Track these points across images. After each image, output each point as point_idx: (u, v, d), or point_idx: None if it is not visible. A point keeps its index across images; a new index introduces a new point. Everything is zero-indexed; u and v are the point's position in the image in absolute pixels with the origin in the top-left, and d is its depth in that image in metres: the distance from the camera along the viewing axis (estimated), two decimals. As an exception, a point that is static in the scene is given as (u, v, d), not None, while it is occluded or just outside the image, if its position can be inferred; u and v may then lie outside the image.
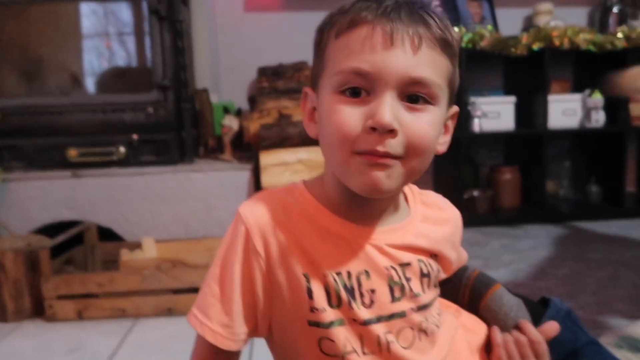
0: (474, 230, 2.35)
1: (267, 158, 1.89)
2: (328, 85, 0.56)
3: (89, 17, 2.04)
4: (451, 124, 0.62)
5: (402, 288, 0.59)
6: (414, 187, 0.68)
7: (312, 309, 0.57)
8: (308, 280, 0.57)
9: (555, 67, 2.51)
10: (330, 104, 0.55)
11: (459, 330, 0.68)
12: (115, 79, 2.07)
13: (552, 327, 0.67)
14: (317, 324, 0.57)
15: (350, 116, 0.53)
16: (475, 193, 2.54)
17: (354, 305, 0.57)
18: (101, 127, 1.91)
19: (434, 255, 0.65)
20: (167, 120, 1.93)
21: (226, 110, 2.09)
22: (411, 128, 0.53)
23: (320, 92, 0.58)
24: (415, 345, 0.60)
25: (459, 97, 2.43)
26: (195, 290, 1.52)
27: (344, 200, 0.59)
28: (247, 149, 2.04)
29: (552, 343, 0.67)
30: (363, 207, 0.59)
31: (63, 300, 1.51)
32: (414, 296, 0.60)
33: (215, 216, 1.87)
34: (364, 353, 0.58)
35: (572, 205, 2.63)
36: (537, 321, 0.69)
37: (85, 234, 1.79)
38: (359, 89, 0.53)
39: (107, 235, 1.85)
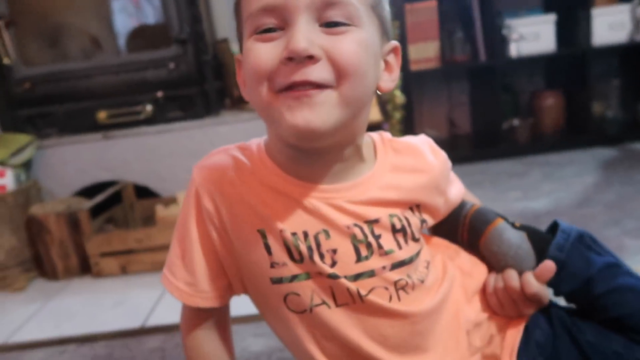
0: (515, 161, 2.26)
1: (291, 104, 1.85)
2: (245, 37, 0.52)
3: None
4: (394, 61, 0.57)
5: (369, 246, 0.56)
6: (386, 135, 0.63)
7: (273, 264, 0.55)
8: (264, 237, 0.55)
9: (600, -23, 2.29)
10: (246, 47, 0.51)
11: (456, 276, 0.65)
12: (134, 37, 2.06)
13: (547, 268, 0.63)
14: (279, 280, 0.56)
15: (265, 51, 0.49)
16: (515, 122, 2.42)
17: (316, 259, 0.54)
18: (126, 87, 1.91)
19: (417, 206, 0.60)
20: (189, 74, 1.92)
21: (247, 58, 2.05)
22: (334, 49, 0.48)
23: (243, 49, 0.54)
24: (393, 300, 0.57)
25: (491, 21, 2.29)
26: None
27: (290, 158, 0.56)
28: (271, 97, 2.00)
29: (563, 276, 0.63)
30: (313, 164, 0.55)
31: (106, 257, 1.58)
32: (385, 254, 0.56)
33: (244, 167, 1.88)
34: (336, 305, 0.56)
35: (620, 127, 2.46)
36: (544, 252, 0.65)
37: (123, 192, 1.85)
38: (274, 28, 0.49)
39: (144, 192, 1.90)
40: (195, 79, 1.93)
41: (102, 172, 1.86)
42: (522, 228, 0.67)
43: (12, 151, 1.69)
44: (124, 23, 2.09)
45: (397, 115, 2.13)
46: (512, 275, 0.63)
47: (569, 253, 0.64)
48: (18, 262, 1.61)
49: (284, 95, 0.49)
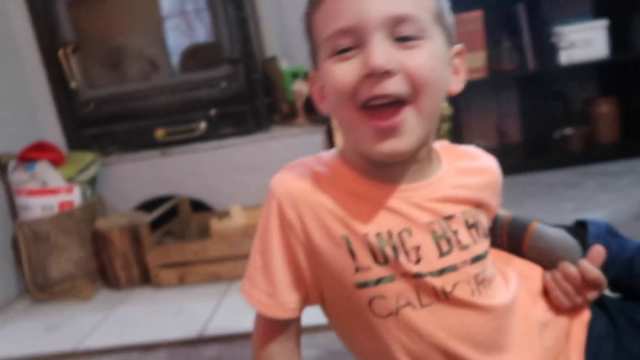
0: (567, 172, 2.20)
1: (339, 118, 1.89)
2: (323, 55, 0.56)
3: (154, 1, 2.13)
4: (460, 63, 0.59)
5: (449, 241, 0.58)
6: (444, 142, 0.67)
7: (358, 269, 0.57)
8: (348, 242, 0.57)
9: (655, -21, 2.22)
10: (326, 68, 0.55)
11: (517, 279, 0.67)
12: (187, 57, 2.16)
13: (598, 252, 0.65)
14: (364, 285, 0.57)
15: (345, 70, 0.53)
16: (568, 130, 2.36)
17: (401, 258, 0.56)
18: (181, 106, 2.01)
19: (479, 205, 0.63)
20: (240, 92, 1.99)
21: (295, 75, 2.11)
22: (409, 63, 0.52)
23: (320, 66, 0.58)
24: (475, 295, 0.59)
25: (539, 28, 2.25)
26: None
27: (369, 164, 0.58)
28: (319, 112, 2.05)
29: (605, 263, 0.66)
30: (391, 168, 0.58)
31: (165, 268, 1.66)
32: (463, 248, 0.59)
33: (294, 180, 1.93)
34: (421, 305, 0.57)
35: (682, 134, 2.36)
36: (582, 244, 0.67)
37: (179, 207, 1.94)
38: (349, 48, 0.53)
39: (199, 206, 1.98)
40: (246, 97, 2.00)
41: (160, 187, 1.96)
42: (556, 227, 0.71)
43: (79, 169, 1.81)
44: (178, 45, 2.20)
45: (445, 126, 2.13)
46: (568, 265, 0.66)
47: (605, 241, 0.67)
48: (85, 273, 1.72)
49: (371, 120, 0.53)
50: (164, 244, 1.75)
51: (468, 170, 0.64)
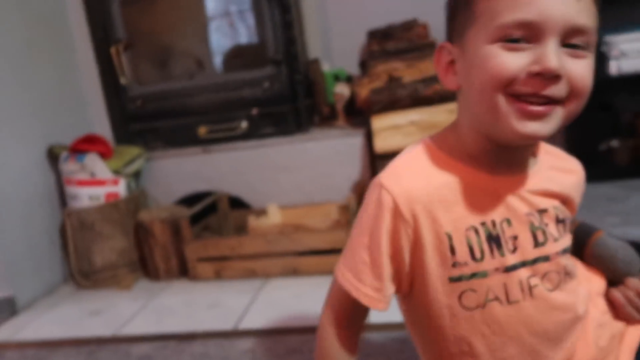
0: (612, 185, 2.13)
1: (379, 122, 1.89)
2: (482, 37, 0.55)
3: (202, 2, 2.19)
4: None
5: (544, 233, 0.61)
6: None
7: (455, 264, 0.59)
8: (450, 239, 0.59)
9: None
10: (486, 51, 0.55)
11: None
12: (232, 57, 2.21)
13: None
14: (459, 279, 0.60)
15: (512, 60, 0.53)
16: (615, 143, 2.29)
17: (497, 253, 0.59)
18: (224, 104, 2.06)
19: (565, 202, 0.65)
20: (282, 93, 2.02)
21: (337, 78, 2.12)
22: (574, 73, 0.53)
23: (468, 44, 0.57)
24: (561, 286, 0.62)
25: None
26: (315, 252, 1.62)
27: (483, 151, 0.60)
28: (359, 115, 2.06)
29: None
30: (503, 157, 0.60)
31: (203, 262, 1.70)
32: (555, 240, 0.61)
33: (331, 182, 1.94)
34: (508, 301, 0.60)
35: None
36: None
37: (218, 203, 1.98)
38: (521, 40, 0.54)
39: (237, 203, 2.03)
40: (287, 97, 2.03)
41: (201, 183, 2.01)
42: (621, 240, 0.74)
43: (125, 162, 1.87)
44: (223, 45, 2.25)
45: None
46: (636, 282, 0.69)
47: None
48: (126, 263, 1.78)
49: (519, 103, 0.54)
50: (202, 238, 1.79)
51: (558, 168, 0.66)
